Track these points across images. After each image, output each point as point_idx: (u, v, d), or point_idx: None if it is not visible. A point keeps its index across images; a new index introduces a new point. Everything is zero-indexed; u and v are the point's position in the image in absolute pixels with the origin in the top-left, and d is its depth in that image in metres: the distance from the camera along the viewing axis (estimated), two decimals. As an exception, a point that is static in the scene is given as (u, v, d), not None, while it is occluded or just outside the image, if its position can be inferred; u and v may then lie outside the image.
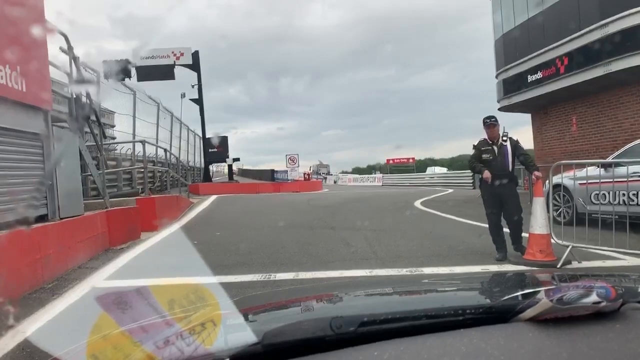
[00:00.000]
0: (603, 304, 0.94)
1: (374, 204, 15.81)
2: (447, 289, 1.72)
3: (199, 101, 28.25)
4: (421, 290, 1.67)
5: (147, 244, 7.70)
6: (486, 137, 6.16)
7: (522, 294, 1.16)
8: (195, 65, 28.48)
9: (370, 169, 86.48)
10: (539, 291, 1.15)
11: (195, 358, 0.86)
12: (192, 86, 28.49)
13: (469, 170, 24.91)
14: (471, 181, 26.23)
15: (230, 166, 28.39)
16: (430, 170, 40.24)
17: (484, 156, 6.09)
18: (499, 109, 16.93)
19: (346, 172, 60.91)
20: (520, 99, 14.67)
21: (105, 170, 11.19)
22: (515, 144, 6.06)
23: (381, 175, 40.91)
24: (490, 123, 6.06)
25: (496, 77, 16.67)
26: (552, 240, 5.76)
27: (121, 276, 5.62)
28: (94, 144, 8.72)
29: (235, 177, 49.40)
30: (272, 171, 47.30)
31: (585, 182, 7.42)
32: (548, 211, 5.94)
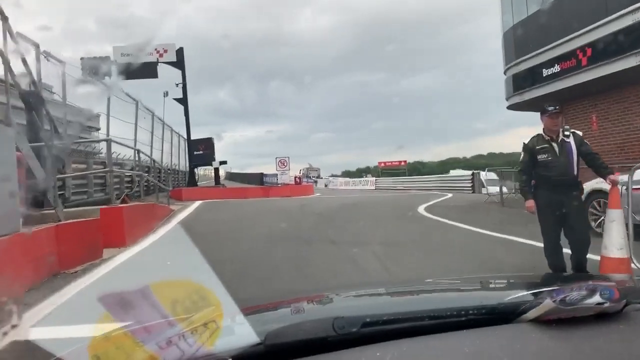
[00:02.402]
0: (606, 305, 0.95)
1: (374, 211, 14.45)
2: (449, 289, 1.69)
3: (183, 101, 26.65)
4: (424, 290, 1.65)
5: (108, 266, 6.22)
6: (542, 133, 4.78)
7: (525, 295, 1.14)
8: (179, 63, 26.93)
9: (360, 172, 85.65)
10: (542, 292, 1.12)
11: (197, 358, 0.86)
12: (177, 85, 26.92)
13: (468, 174, 23.42)
14: (470, 185, 25.00)
15: (216, 169, 26.84)
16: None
17: (541, 157, 4.66)
18: (509, 107, 15.67)
19: (336, 176, 59.61)
20: (534, 95, 13.40)
21: (67, 175, 9.77)
22: (580, 140, 4.67)
23: (374, 178, 39.60)
24: (554, 111, 4.67)
25: (505, 72, 15.41)
26: (633, 266, 4.40)
27: (62, 317, 4.15)
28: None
29: (222, 181, 48.20)
30: (261, 175, 45.79)
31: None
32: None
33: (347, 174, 79.58)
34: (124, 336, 0.98)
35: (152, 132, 19.72)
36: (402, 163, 59.48)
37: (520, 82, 14.31)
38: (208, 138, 26.77)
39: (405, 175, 53.17)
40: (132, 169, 16.36)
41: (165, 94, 24.50)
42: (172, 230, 9.66)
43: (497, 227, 9.17)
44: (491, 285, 1.73)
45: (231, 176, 59.41)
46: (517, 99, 14.55)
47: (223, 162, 26.84)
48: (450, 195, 21.17)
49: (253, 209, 15.73)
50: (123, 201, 12.97)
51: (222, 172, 66.10)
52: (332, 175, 60.63)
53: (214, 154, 26.32)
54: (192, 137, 26.93)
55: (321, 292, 1.66)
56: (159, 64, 26.69)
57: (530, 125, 15.64)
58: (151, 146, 19.69)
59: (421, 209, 14.07)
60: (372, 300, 1.52)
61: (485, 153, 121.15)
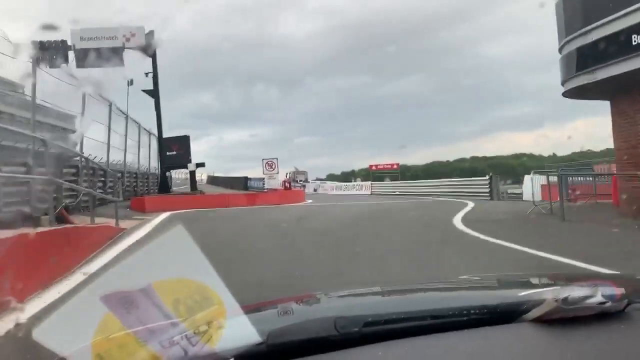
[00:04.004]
0: (608, 304, 0.94)
1: (400, 227, 10.87)
2: (451, 289, 1.70)
3: (154, 93, 22.84)
4: (425, 290, 1.67)
5: None
6: None
7: (527, 295, 1.11)
8: (149, 49, 23.10)
9: (345, 176, 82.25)
10: (543, 292, 1.10)
11: (200, 358, 0.86)
12: (146, 75, 23.07)
13: (485, 178, 19.93)
14: (487, 190, 21.60)
15: (192, 173, 22.95)
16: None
17: None
18: (564, 94, 12.21)
19: (321, 179, 55.97)
20: (617, 71, 9.94)
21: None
22: None
23: (369, 183, 36.09)
24: None
25: (560, 49, 11.96)
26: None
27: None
28: None
29: (204, 186, 44.36)
30: (246, 179, 41.91)
31: None
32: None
33: (332, 177, 76.52)
34: (127, 336, 0.94)
35: (109, 127, 15.89)
36: (395, 166, 55.94)
37: (591, 56, 10.82)
38: (183, 136, 22.94)
39: (398, 179, 50.00)
40: (76, 174, 12.58)
41: (130, 83, 20.59)
42: (100, 270, 5.86)
43: (593, 256, 6.06)
44: (493, 285, 1.73)
45: (214, 180, 55.62)
46: (582, 80, 11.07)
47: (200, 165, 23.00)
48: (471, 203, 17.66)
49: (235, 225, 12.01)
50: (60, 217, 9.28)
51: (204, 176, 62.75)
52: (318, 179, 57.06)
53: (189, 155, 22.52)
54: (166, 136, 23.16)
55: (323, 292, 1.65)
56: (125, 49, 22.93)
57: (610, 115, 12.21)
58: (108, 144, 15.89)
59: (460, 224, 10.56)
60: (373, 299, 1.52)
61: (468, 157, 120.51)
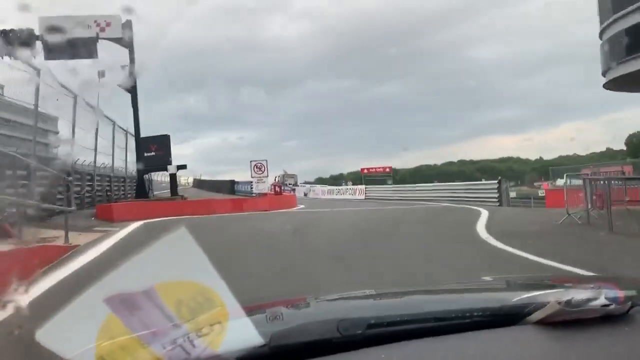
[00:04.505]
0: (611, 306, 0.93)
1: (420, 242, 8.96)
2: (454, 291, 1.66)
3: (131, 89, 20.74)
4: (428, 292, 1.64)
5: None
6: None
7: (530, 297, 1.09)
8: (126, 40, 21.02)
9: (334, 179, 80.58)
10: (547, 294, 1.08)
11: None
12: (122, 68, 20.97)
13: (493, 182, 18.18)
14: (496, 196, 19.83)
15: (173, 176, 20.83)
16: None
17: None
18: (605, 85, 10.48)
19: (310, 183, 54.04)
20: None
21: None
22: None
23: (363, 186, 34.21)
24: None
25: (601, 34, 10.24)
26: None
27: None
28: None
29: (187, 190, 42.12)
30: (232, 182, 39.81)
31: None
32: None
33: (320, 181, 75.20)
34: (129, 338, 0.92)
35: (73, 122, 13.83)
36: (387, 169, 54.30)
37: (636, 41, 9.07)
38: (162, 136, 20.86)
39: (392, 183, 48.25)
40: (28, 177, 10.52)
41: (101, 75, 18.47)
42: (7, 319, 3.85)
43: None
44: (495, 287, 1.72)
45: (200, 184, 53.52)
46: (629, 68, 9.30)
47: (182, 167, 20.90)
48: (484, 211, 15.80)
49: (217, 241, 9.97)
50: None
51: (189, 180, 60.50)
52: (307, 183, 55.15)
53: (169, 156, 20.44)
54: (145, 135, 21.04)
55: (326, 294, 1.67)
56: (100, 40, 20.82)
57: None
58: (72, 143, 13.86)
59: (492, 240, 8.71)
60: (376, 302, 1.51)
61: (455, 160, 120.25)
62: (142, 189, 20.89)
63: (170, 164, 20.28)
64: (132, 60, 21.10)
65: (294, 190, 46.54)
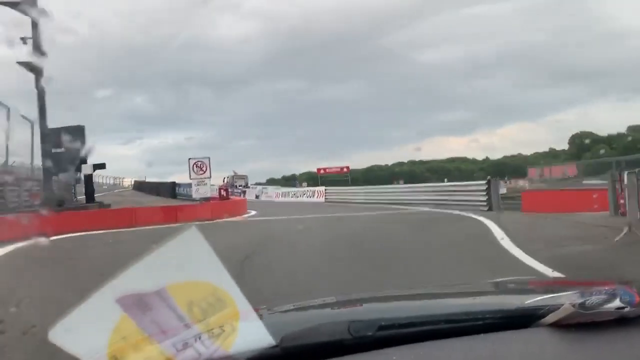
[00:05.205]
0: (627, 309, 0.92)
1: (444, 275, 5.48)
2: (466, 293, 1.67)
3: (35, 67, 16.33)
4: (440, 294, 1.64)
5: None
6: None
7: (544, 299, 1.10)
8: (27, 6, 16.61)
9: (286, 180, 76.92)
10: (560, 296, 1.07)
11: None
12: (23, 41, 16.53)
13: (481, 183, 15.38)
14: (485, 198, 16.78)
15: (89, 177, 16.50)
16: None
17: None
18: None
19: (263, 184, 50.11)
20: None
21: None
22: None
23: (323, 188, 30.73)
24: None
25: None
26: None
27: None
28: None
29: (127, 194, 37.41)
30: (174, 185, 35.18)
31: None
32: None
33: (272, 182, 71.95)
34: (141, 338, 0.92)
35: None
36: (345, 169, 51.09)
37: None
38: (76, 127, 16.52)
39: (349, 184, 45.04)
40: None
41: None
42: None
43: None
44: (509, 289, 1.70)
45: (140, 186, 48.46)
46: None
47: (100, 166, 16.63)
48: (483, 220, 12.56)
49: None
50: None
51: (130, 182, 55.15)
52: (259, 184, 51.22)
53: (85, 153, 16.16)
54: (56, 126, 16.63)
55: (337, 296, 1.67)
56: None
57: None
58: None
59: (543, 268, 5.38)
60: (387, 303, 1.50)
61: (405, 160, 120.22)
62: (50, 195, 16.48)
63: (86, 162, 16.01)
64: (35, 33, 16.71)
65: (244, 192, 42.52)
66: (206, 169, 17.17)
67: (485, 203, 16.70)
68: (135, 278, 0.91)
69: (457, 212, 16.15)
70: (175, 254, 0.95)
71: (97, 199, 18.81)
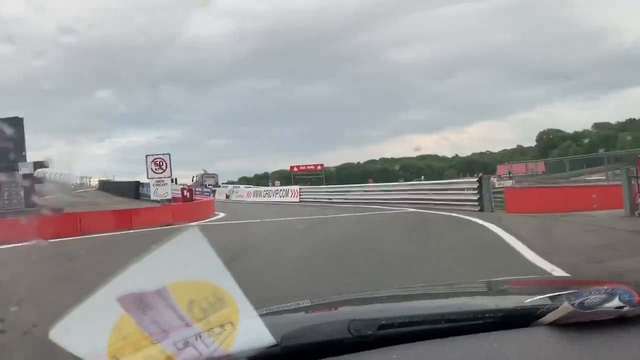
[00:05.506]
0: (626, 308, 0.91)
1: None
2: (466, 292, 1.67)
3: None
4: (440, 293, 1.64)
5: None
6: None
7: (543, 298, 1.10)
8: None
9: (259, 179, 75.04)
10: (560, 295, 1.05)
11: (214, 359, 0.87)
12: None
13: (472, 181, 13.91)
14: (476, 198, 15.33)
15: (28, 178, 14.28)
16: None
17: None
18: None
19: (234, 183, 48.06)
20: None
21: None
22: None
23: (297, 187, 28.96)
24: None
25: None
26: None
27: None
28: None
29: (89, 195, 35.07)
30: (137, 184, 32.85)
31: None
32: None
33: (245, 180, 70.27)
34: (142, 337, 0.92)
35: None
36: (319, 167, 49.43)
37: None
38: (12, 119, 14.29)
39: (323, 182, 43.39)
40: None
41: None
42: None
43: None
44: (508, 289, 1.69)
45: (105, 186, 45.94)
46: None
47: (40, 165, 14.39)
48: (480, 222, 11.01)
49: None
50: None
51: (94, 182, 52.30)
52: (231, 183, 49.15)
53: (23, 150, 13.98)
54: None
55: (337, 295, 1.66)
56: None
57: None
58: None
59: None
60: (387, 302, 1.49)
61: (377, 158, 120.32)
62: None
63: (25, 159, 13.84)
64: None
65: (214, 192, 40.39)
66: (166, 167, 15.17)
67: (476, 203, 15.26)
68: (135, 277, 0.90)
69: (446, 213, 14.67)
70: (176, 253, 0.94)
71: (56, 200, 16.57)
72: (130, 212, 13.79)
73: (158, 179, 15.16)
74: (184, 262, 0.94)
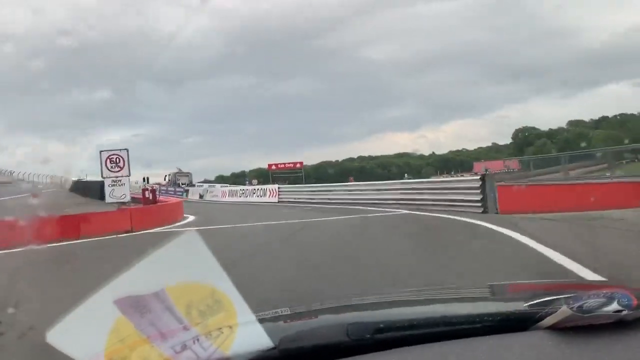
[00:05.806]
0: (624, 312, 0.90)
1: None
2: (464, 296, 1.64)
3: None
4: (438, 297, 1.61)
5: None
6: None
7: (542, 302, 1.08)
8: None
9: (235, 177, 72.75)
10: (558, 299, 1.05)
11: None
12: None
13: (475, 179, 11.69)
14: (479, 198, 13.60)
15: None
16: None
17: None
18: None
19: (210, 182, 45.77)
20: None
21: None
22: None
23: (276, 186, 26.94)
24: None
25: None
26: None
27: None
28: None
29: (60, 195, 32.57)
30: (102, 184, 30.42)
31: None
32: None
33: (221, 179, 68.10)
34: (139, 339, 0.92)
35: None
36: (298, 165, 47.47)
37: None
38: None
39: (302, 181, 41.47)
40: None
41: None
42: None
43: None
44: (507, 292, 1.68)
45: (76, 186, 43.41)
46: None
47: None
48: (493, 227, 9.22)
49: None
50: None
51: (66, 181, 49.47)
52: (207, 181, 46.84)
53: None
54: None
55: (335, 299, 1.64)
56: None
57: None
58: None
59: None
60: (386, 306, 1.47)
61: (355, 156, 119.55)
62: None
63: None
64: None
65: (187, 192, 38.08)
66: (124, 165, 13.04)
67: (479, 204, 13.52)
68: (133, 280, 0.87)
69: (445, 215, 12.93)
70: (174, 256, 0.92)
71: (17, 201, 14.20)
72: (79, 218, 11.61)
73: (114, 179, 13.03)
74: (182, 265, 0.92)
